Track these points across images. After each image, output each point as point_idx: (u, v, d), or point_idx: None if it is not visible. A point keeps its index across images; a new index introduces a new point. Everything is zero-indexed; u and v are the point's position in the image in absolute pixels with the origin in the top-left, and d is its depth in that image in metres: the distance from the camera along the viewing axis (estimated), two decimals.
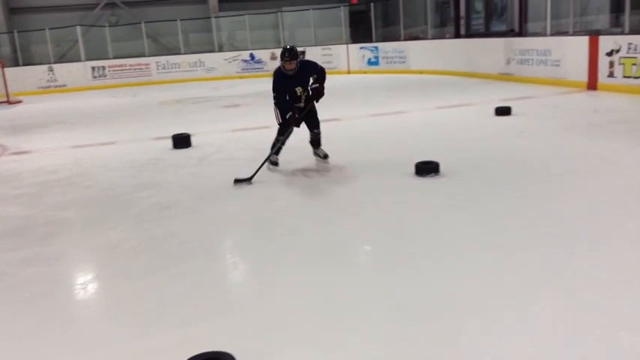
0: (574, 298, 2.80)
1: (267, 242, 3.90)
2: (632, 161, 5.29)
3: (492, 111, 8.08)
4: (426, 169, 5.10)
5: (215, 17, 21.20)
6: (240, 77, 18.64)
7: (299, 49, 18.02)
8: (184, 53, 19.79)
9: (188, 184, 5.62)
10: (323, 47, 18.53)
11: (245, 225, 4.34)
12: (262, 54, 19.17)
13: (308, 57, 18.18)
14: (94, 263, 3.90)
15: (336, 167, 5.80)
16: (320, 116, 8.49)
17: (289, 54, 5.45)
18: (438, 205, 4.43)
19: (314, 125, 5.85)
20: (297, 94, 5.65)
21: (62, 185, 5.85)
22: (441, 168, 5.15)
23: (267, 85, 16.49)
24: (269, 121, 8.88)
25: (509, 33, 13.57)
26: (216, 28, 20.77)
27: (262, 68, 19.05)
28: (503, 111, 7.99)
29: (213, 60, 19.34)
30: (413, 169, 5.17)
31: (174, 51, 20.25)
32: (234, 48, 20.06)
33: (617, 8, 11.70)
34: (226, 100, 12.64)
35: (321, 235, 3.95)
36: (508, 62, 12.18)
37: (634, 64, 9.10)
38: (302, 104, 5.70)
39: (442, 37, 16.62)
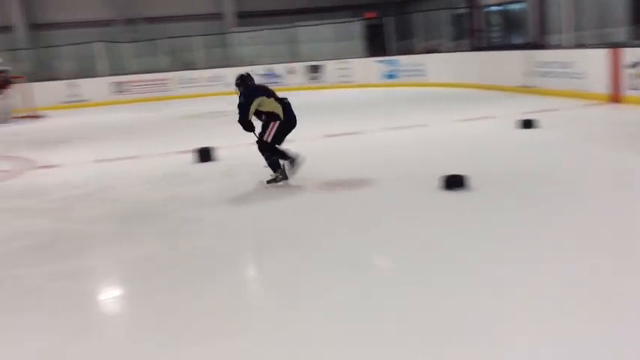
0: (609, 314, 2.75)
1: (296, 256, 3.89)
2: None
3: (515, 124, 8.03)
4: (452, 182, 5.07)
5: (231, 33, 21.43)
6: None
7: (315, 63, 17.98)
8: (202, 68, 19.97)
9: (213, 197, 5.64)
10: (339, 61, 18.60)
11: (272, 238, 4.32)
12: (279, 68, 19.29)
13: (325, 71, 18.35)
14: (121, 277, 3.92)
15: (359, 181, 5.78)
16: (340, 129, 8.58)
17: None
18: (465, 220, 4.40)
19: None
20: None
21: (88, 199, 5.90)
22: (467, 182, 5.12)
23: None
24: (290, 135, 8.96)
25: (529, 45, 13.52)
26: (233, 44, 20.96)
27: (279, 82, 19.15)
28: (526, 124, 7.93)
29: (232, 74, 19.42)
30: (438, 182, 5.14)
31: (192, 66, 20.45)
32: (251, 62, 20.19)
33: (636, 20, 11.63)
34: None
35: (350, 249, 3.93)
36: (528, 75, 12.13)
37: None
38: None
39: (459, 49, 16.61)
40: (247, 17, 22.43)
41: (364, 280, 3.41)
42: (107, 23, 21.88)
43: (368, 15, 21.33)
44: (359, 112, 12.11)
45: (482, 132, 8.34)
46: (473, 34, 15.90)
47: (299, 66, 19.13)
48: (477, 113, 9.80)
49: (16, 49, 20.36)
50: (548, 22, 13.14)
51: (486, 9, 17.56)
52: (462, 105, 11.48)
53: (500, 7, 17.64)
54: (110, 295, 3.65)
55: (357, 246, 4.00)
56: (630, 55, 9.58)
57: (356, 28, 20.54)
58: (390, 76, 17.27)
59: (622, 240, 3.71)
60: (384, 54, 18.50)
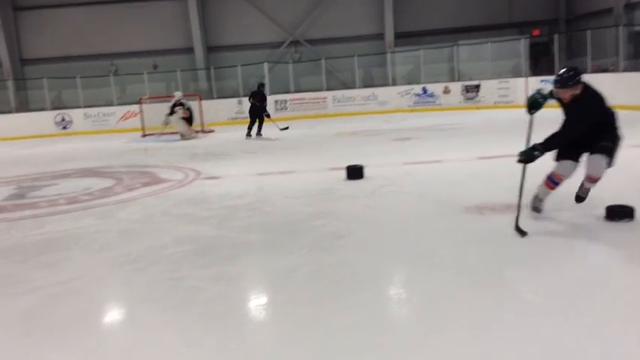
0: None
1: (438, 278, 3.85)
2: None
3: None
4: (619, 212, 4.68)
5: (390, 52, 21.73)
6: (412, 111, 18.77)
7: (472, 82, 17.61)
8: (359, 87, 20.48)
9: (361, 215, 5.76)
10: (499, 80, 18.01)
11: (415, 259, 4.31)
12: (435, 87, 19.14)
13: (482, 90, 17.82)
14: (272, 286, 4.13)
15: (511, 205, 5.54)
16: (493, 151, 8.32)
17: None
18: (630, 256, 4.04)
19: None
20: None
21: (246, 210, 6.33)
22: (636, 213, 4.69)
23: (438, 118, 16.43)
24: (440, 155, 8.90)
25: None
26: (391, 63, 21.23)
27: (434, 102, 19.01)
28: None
29: (387, 93, 19.75)
30: (603, 212, 4.78)
31: (349, 85, 21.07)
32: (408, 82, 20.29)
33: None
34: (398, 133, 12.79)
35: (492, 278, 3.80)
36: None
37: None
38: None
39: (636, 69, 15.23)
40: (406, 37, 22.59)
41: (509, 312, 3.27)
42: (274, 45, 23.34)
43: (534, 32, 20.41)
44: (515, 134, 11.56)
45: None
46: None
47: (456, 86, 18.84)
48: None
49: (195, 69, 22.54)
50: None
51: None
52: (633, 129, 10.47)
53: None
54: (259, 303, 3.87)
55: (506, 274, 3.86)
56: None
57: (520, 46, 19.75)
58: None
59: None
60: (550, 73, 17.53)
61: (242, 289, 4.07)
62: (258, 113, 14.50)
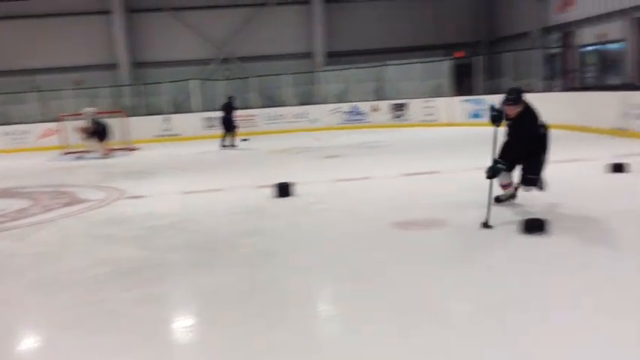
0: None
1: (366, 294, 3.87)
2: None
3: (605, 168, 7.65)
4: (532, 226, 4.88)
5: (318, 71, 22.02)
6: (342, 128, 19.01)
7: (400, 101, 18.21)
8: (289, 105, 20.57)
9: (289, 232, 5.73)
10: (425, 100, 18.55)
11: (344, 277, 4.32)
12: (364, 106, 19.50)
13: (409, 109, 18.33)
14: (197, 306, 4.03)
15: (433, 221, 5.67)
16: (420, 168, 8.50)
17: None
18: (544, 264, 4.22)
19: None
20: None
21: (171, 229, 6.16)
22: (547, 226, 4.91)
23: (367, 136, 16.67)
24: (369, 172, 9.02)
25: (625, 86, 12.90)
26: (320, 82, 21.49)
27: (363, 120, 19.34)
28: (616, 168, 7.53)
29: (317, 111, 19.92)
30: (518, 226, 4.97)
31: (279, 103, 21.13)
32: (337, 100, 20.56)
33: None
34: (328, 151, 12.89)
35: (423, 291, 3.86)
36: (622, 117, 11.53)
37: None
38: None
39: (551, 90, 16.10)
40: (336, 56, 22.97)
41: (439, 326, 3.33)
42: (204, 62, 23.11)
43: (457, 54, 21.22)
44: (440, 151, 11.97)
45: (570, 175, 7.97)
46: (566, 74, 15.39)
47: (384, 104, 19.26)
48: (565, 155, 9.38)
49: (119, 86, 21.93)
50: None
51: (581, 49, 17.02)
52: (553, 147, 11.02)
53: (596, 47, 17.04)
54: (184, 324, 3.75)
55: (430, 288, 3.93)
56: None
57: (444, 67, 20.49)
58: (475, 116, 16.97)
59: None
60: (471, 93, 18.26)
61: (167, 310, 3.94)
62: (227, 125, 15.44)
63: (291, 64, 22.45)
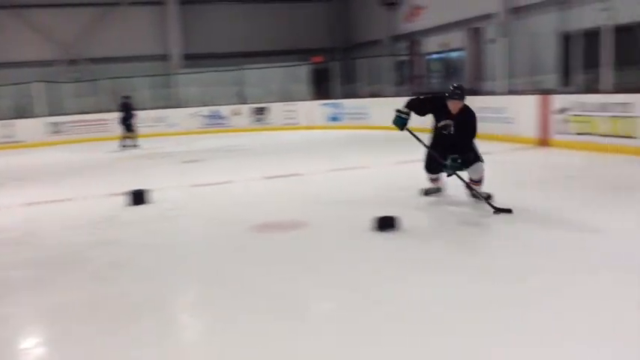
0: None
1: (224, 300, 3.81)
2: (585, 215, 5.42)
3: None
4: (384, 224, 5.12)
5: (176, 74, 21.45)
6: (202, 132, 18.65)
7: (260, 105, 18.20)
8: (145, 109, 19.76)
9: (144, 241, 5.49)
10: (286, 103, 18.79)
11: (201, 284, 4.23)
12: (224, 110, 19.31)
13: (270, 113, 18.48)
14: (43, 325, 3.72)
15: (294, 223, 5.75)
16: (281, 171, 8.48)
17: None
18: (392, 261, 4.43)
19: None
20: None
21: (12, 244, 5.65)
22: (400, 223, 5.18)
23: (228, 140, 16.48)
24: (229, 176, 8.94)
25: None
26: (178, 84, 20.95)
27: (224, 124, 19.16)
28: None
29: (175, 115, 19.36)
30: (372, 224, 5.18)
31: (135, 106, 20.22)
32: (196, 104, 20.14)
33: (566, 69, 12.29)
34: (187, 155, 12.58)
35: (279, 293, 3.88)
36: None
37: (584, 122, 9.49)
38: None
39: (401, 94, 17.06)
40: (194, 59, 22.54)
41: (299, 325, 3.35)
42: (49, 63, 21.52)
43: (315, 59, 21.76)
44: (301, 154, 12.19)
45: (417, 174, 8.48)
46: (414, 80, 16.39)
47: (245, 108, 19.22)
48: (414, 156, 9.97)
49: None
50: (484, 69, 13.71)
51: (427, 57, 18.25)
52: (401, 147, 11.67)
53: (440, 55, 18.37)
54: (29, 344, 3.44)
55: (291, 289, 3.95)
56: (558, 101, 10.07)
57: (303, 71, 20.90)
58: (334, 119, 17.53)
59: (556, 279, 3.81)
60: (329, 97, 18.82)
61: (8, 331, 3.58)
62: (126, 125, 15.26)
63: (146, 66, 21.62)
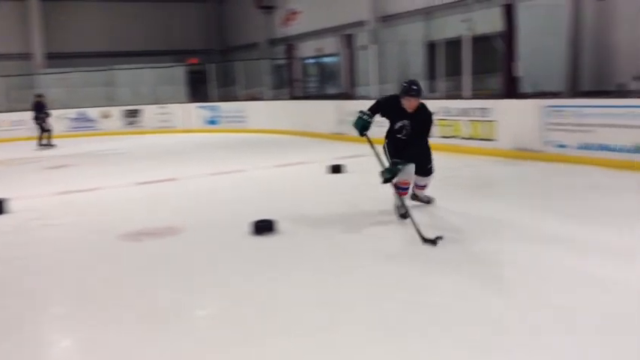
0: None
1: (90, 313, 3.60)
2: (448, 211, 5.77)
3: (326, 169, 8.44)
4: (262, 227, 5.12)
5: (39, 74, 20.00)
6: (69, 136, 17.52)
7: (133, 107, 17.41)
8: (4, 111, 18.23)
9: (0, 255, 5.05)
10: (160, 106, 18.19)
11: (66, 298, 3.96)
12: (92, 112, 18.31)
13: (144, 116, 17.79)
14: None
15: (169, 229, 5.58)
16: (155, 176, 8.19)
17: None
18: (273, 264, 4.44)
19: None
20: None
21: None
22: (278, 226, 5.20)
23: (97, 144, 15.65)
24: (98, 182, 8.47)
25: (340, 95, 14.43)
26: (41, 85, 19.52)
27: (93, 127, 18.17)
28: (335, 169, 8.38)
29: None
30: (250, 228, 5.16)
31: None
32: (62, 106, 18.89)
33: (431, 75, 13.02)
34: (52, 161, 11.77)
35: (150, 303, 3.73)
36: (339, 123, 12.89)
37: (448, 126, 10.12)
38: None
39: (279, 98, 17.19)
40: (59, 58, 21.13)
41: (168, 334, 3.23)
42: None
43: (190, 61, 21.29)
44: (177, 158, 11.87)
45: (296, 177, 8.63)
46: (291, 84, 16.57)
47: (115, 110, 18.35)
48: (292, 159, 10.14)
49: None
50: (357, 74, 14.17)
51: (304, 60, 18.53)
52: (279, 151, 11.84)
53: (316, 59, 18.74)
54: None
55: (164, 298, 3.81)
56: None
57: (178, 73, 20.37)
58: (212, 122, 17.27)
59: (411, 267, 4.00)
60: (206, 100, 18.50)
61: None
62: (40, 124, 15.01)
63: (5, 65, 19.95)
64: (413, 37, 14.00)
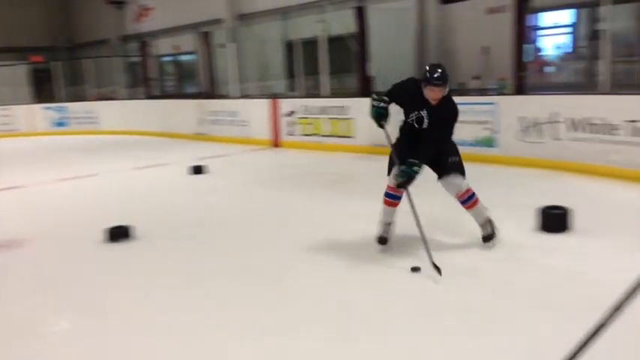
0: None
1: None
2: (313, 207, 5.90)
3: (186, 170, 8.24)
4: (117, 234, 4.87)
5: None
6: None
7: None
8: None
9: None
10: (1, 108, 16.63)
11: None
12: None
13: None
14: None
15: (14, 240, 5.12)
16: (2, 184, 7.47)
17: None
18: (129, 272, 4.25)
19: None
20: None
21: None
22: (132, 232, 4.98)
23: None
24: None
25: (201, 95, 14.15)
26: None
27: None
28: (196, 170, 8.20)
29: None
30: (104, 235, 4.89)
31: None
32: None
33: (291, 74, 13.21)
34: None
35: (6, 315, 3.41)
36: (200, 123, 12.64)
37: (309, 124, 10.34)
38: None
39: (134, 97, 16.45)
40: None
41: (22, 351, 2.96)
42: None
43: (34, 59, 19.67)
44: (22, 163, 10.91)
45: (155, 179, 8.32)
46: (147, 82, 15.95)
47: None
48: (150, 161, 9.76)
49: None
50: (217, 73, 13.98)
51: (160, 58, 17.91)
52: (136, 153, 11.36)
53: (173, 57, 18.20)
54: None
55: (15, 316, 3.49)
56: (286, 104, 10.80)
57: (20, 72, 18.73)
58: (60, 124, 16.10)
59: (289, 272, 4.03)
60: (53, 100, 17.21)
61: None
62: None
63: None
64: (271, 36, 14.10)
